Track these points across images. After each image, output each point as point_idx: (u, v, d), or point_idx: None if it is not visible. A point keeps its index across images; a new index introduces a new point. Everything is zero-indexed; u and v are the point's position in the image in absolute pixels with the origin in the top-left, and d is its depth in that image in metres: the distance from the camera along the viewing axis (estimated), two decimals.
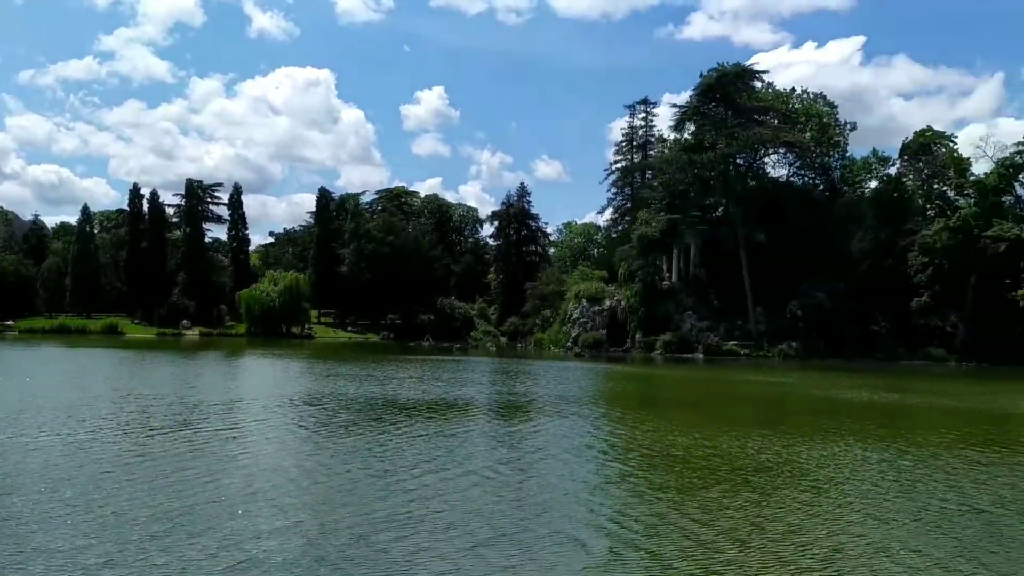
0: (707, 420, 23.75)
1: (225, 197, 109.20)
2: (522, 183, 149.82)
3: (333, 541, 10.03)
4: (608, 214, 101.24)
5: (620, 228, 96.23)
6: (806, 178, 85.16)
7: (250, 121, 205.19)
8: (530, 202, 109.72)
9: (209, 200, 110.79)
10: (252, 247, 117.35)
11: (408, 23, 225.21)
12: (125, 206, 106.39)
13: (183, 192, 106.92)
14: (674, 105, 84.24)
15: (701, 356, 66.88)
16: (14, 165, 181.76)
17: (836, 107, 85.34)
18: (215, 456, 15.62)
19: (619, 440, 19.36)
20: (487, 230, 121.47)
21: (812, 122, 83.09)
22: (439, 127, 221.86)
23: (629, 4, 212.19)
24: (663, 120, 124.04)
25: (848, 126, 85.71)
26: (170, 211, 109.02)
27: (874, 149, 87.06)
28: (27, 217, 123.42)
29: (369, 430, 19.42)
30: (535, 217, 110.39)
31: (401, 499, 12.29)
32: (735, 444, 18.36)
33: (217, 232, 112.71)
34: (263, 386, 31.89)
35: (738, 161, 78.73)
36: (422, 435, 18.81)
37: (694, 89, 79.04)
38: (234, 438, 17.95)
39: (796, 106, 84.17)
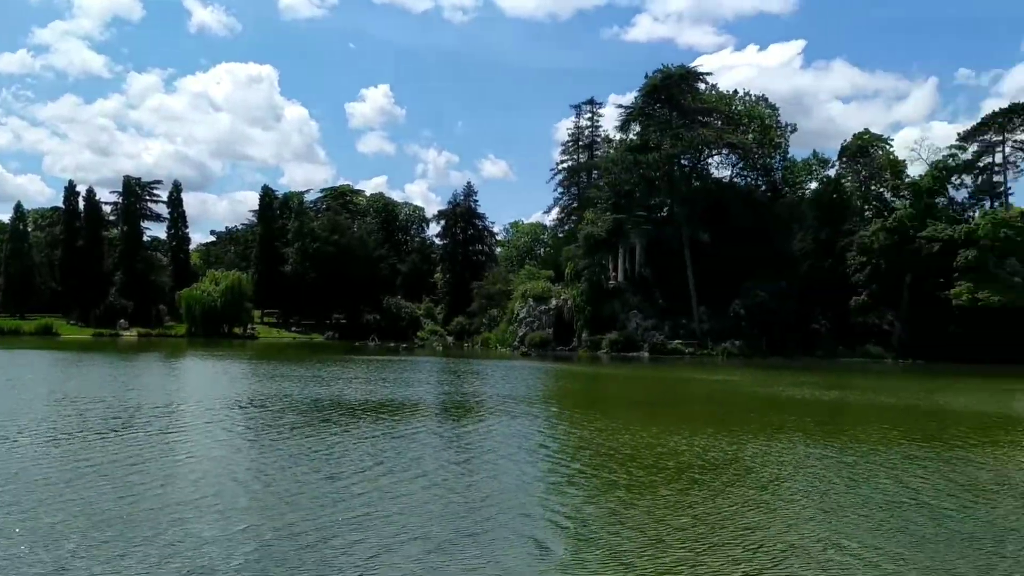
0: (654, 419, 23.90)
1: (164, 195, 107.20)
2: (469, 182, 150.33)
3: (282, 547, 9.75)
4: (555, 213, 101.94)
5: (567, 228, 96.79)
6: (749, 179, 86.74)
7: (190, 117, 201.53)
8: (477, 201, 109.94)
9: (148, 198, 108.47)
10: (193, 246, 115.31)
11: (353, 20, 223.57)
12: (60, 204, 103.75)
13: (121, 189, 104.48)
14: (620, 106, 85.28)
15: (646, 355, 67.56)
16: None
17: (777, 109, 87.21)
18: (157, 461, 15.14)
19: (569, 439, 19.36)
20: (433, 229, 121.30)
21: (754, 124, 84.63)
22: (385, 125, 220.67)
23: (575, 4, 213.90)
24: (609, 120, 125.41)
25: (789, 128, 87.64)
26: (107, 209, 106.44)
27: (814, 151, 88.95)
28: None
29: (316, 432, 19.09)
30: (482, 216, 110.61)
31: (353, 503, 12.05)
32: (683, 442, 18.50)
33: (156, 231, 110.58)
34: (205, 388, 31.17)
35: (683, 162, 79.77)
36: (370, 437, 18.55)
37: (639, 90, 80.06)
38: (176, 442, 17.45)
39: (739, 108, 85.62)
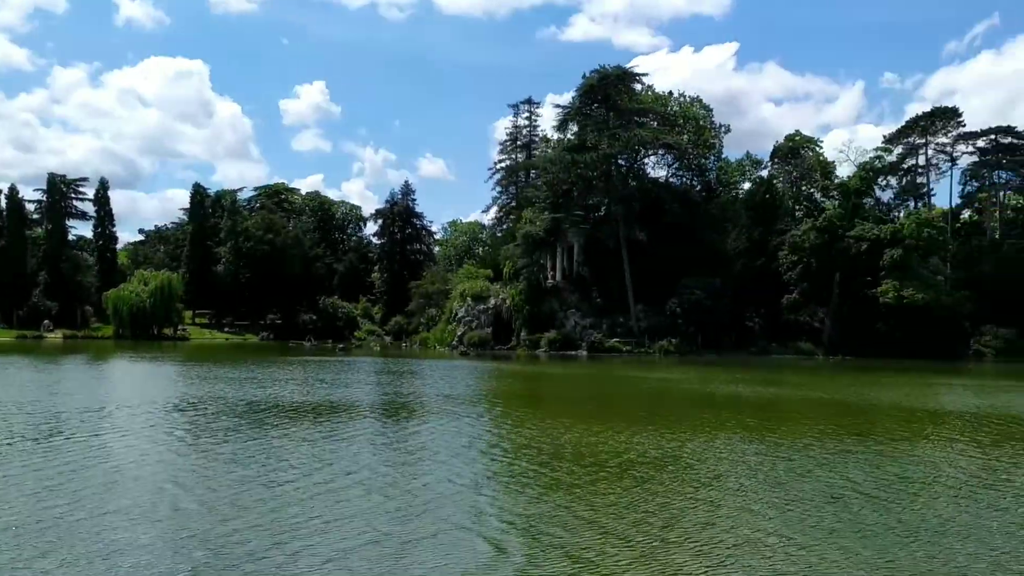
0: (593, 417, 24.04)
1: (91, 192, 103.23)
2: (406, 181, 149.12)
3: (234, 553, 9.50)
4: (493, 213, 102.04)
5: (505, 227, 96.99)
6: (684, 179, 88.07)
7: (118, 113, 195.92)
8: (415, 200, 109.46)
9: (73, 195, 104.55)
10: (120, 245, 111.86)
11: (286, 15, 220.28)
12: None
13: (44, 187, 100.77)
14: (557, 105, 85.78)
15: (585, 353, 68.06)
16: None
17: (711, 110, 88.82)
18: (86, 468, 14.48)
19: (515, 439, 19.34)
20: (371, 228, 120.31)
21: (689, 124, 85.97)
22: (320, 123, 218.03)
23: (512, 4, 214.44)
24: (547, 120, 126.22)
25: (723, 129, 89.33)
26: (30, 207, 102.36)
27: (748, 152, 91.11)
28: None
29: (256, 435, 18.69)
30: (420, 215, 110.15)
31: (302, 506, 11.79)
32: (622, 440, 18.65)
33: (82, 229, 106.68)
34: (135, 391, 30.21)
35: (619, 161, 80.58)
36: (312, 439, 18.25)
37: (576, 90, 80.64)
38: (106, 447, 16.80)
39: (674, 108, 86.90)
